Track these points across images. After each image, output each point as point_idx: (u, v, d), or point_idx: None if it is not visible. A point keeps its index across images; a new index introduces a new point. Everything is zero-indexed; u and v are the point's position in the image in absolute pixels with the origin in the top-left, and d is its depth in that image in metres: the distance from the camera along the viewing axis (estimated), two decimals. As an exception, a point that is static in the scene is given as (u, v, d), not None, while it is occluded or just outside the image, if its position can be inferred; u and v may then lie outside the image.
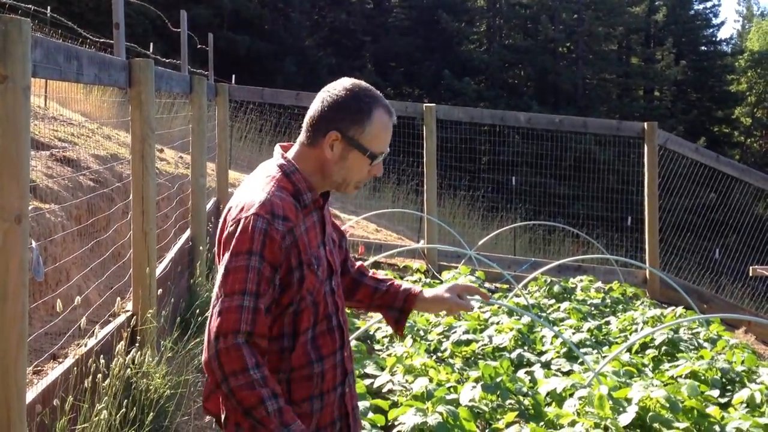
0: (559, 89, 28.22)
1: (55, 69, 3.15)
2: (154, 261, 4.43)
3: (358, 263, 2.40)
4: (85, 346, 3.37)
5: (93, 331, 3.41)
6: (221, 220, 2.03)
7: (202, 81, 6.88)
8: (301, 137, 2.07)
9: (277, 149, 2.11)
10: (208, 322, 1.92)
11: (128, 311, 4.21)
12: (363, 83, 2.07)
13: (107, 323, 4.05)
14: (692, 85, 30.58)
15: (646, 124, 9.04)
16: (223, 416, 2.03)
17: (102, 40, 12.21)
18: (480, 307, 6.61)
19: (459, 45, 29.42)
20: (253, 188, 2.00)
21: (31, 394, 2.72)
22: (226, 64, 19.83)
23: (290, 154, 2.08)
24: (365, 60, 27.95)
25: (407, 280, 7.74)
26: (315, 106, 2.05)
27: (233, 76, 16.06)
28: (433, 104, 9.43)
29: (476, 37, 31.54)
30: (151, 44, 13.88)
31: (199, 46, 14.40)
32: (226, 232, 1.96)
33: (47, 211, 5.73)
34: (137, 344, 3.98)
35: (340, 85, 2.05)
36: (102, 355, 3.27)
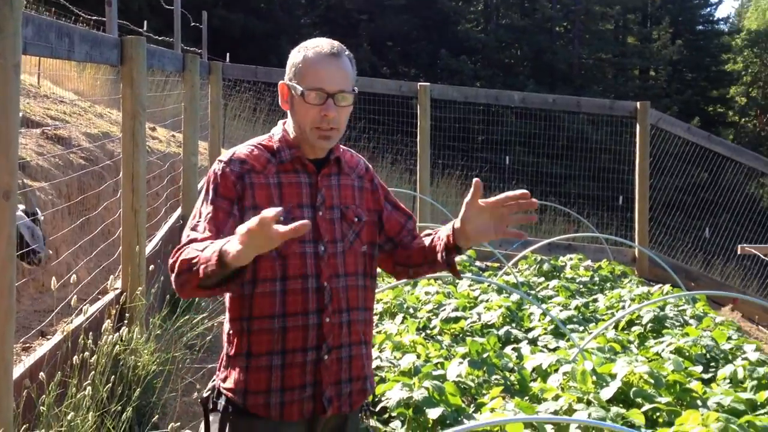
0: (555, 69, 28.15)
1: (46, 46, 3.16)
2: (144, 239, 4.46)
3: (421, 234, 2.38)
4: (73, 323, 3.41)
5: (81, 309, 3.45)
6: None
7: (195, 59, 6.87)
8: None
9: None
10: None
11: (117, 289, 4.24)
12: (317, 39, 2.20)
13: (96, 301, 4.09)
14: (688, 65, 30.51)
15: (638, 103, 9.05)
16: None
17: (95, 18, 12.16)
18: (470, 285, 6.66)
19: (455, 24, 29.29)
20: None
21: (18, 370, 2.76)
22: (221, 42, 19.75)
23: None
24: (361, 39, 27.81)
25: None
26: None
27: (227, 54, 16.00)
28: (428, 83, 9.42)
29: (473, 17, 31.38)
30: (145, 22, 13.81)
31: (192, 24, 14.35)
32: None
33: (37, 188, 5.76)
34: (126, 321, 4.03)
35: None
36: (90, 332, 3.31)
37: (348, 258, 2.18)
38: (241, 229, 1.77)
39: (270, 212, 1.74)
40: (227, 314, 2.16)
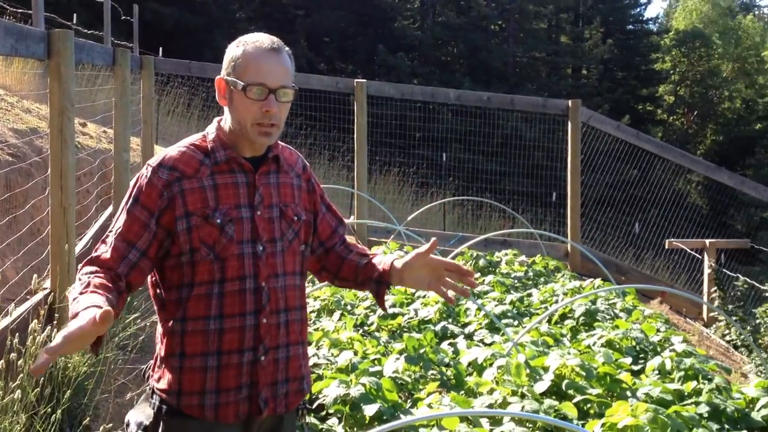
0: (490, 66, 28.50)
1: (-35, 39, 3.06)
2: (74, 238, 4.35)
3: (360, 247, 2.40)
4: (-1, 323, 3.31)
5: (8, 310, 3.34)
6: None
7: (126, 53, 6.73)
8: None
9: None
10: None
11: (46, 289, 4.14)
12: (255, 34, 2.16)
13: (24, 301, 3.98)
14: (618, 64, 31.27)
15: (570, 101, 9.24)
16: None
17: (21, 10, 11.80)
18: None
19: (393, 21, 29.38)
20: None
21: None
22: (153, 36, 19.38)
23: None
24: (298, 35, 27.62)
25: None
26: None
27: (160, 49, 15.71)
28: (365, 80, 9.43)
29: (410, 14, 31.52)
30: (74, 15, 13.45)
31: (123, 17, 14.04)
32: None
33: (-39, 186, 5.55)
34: (55, 322, 3.92)
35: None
36: (17, 333, 3.22)
37: (287, 257, 2.16)
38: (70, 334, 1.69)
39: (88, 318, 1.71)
40: (159, 315, 2.13)
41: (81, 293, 1.89)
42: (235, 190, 2.11)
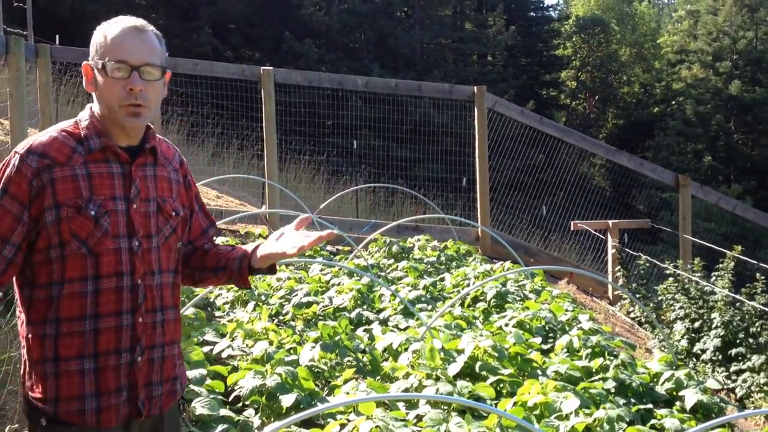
0: (398, 53, 28.65)
1: None
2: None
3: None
4: None
5: None
6: None
7: (20, 41, 6.44)
8: None
9: None
10: None
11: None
12: (120, 17, 2.08)
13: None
14: (522, 50, 31.97)
15: (475, 87, 9.39)
16: None
17: None
18: (321, 270, 6.69)
19: (299, 8, 29.09)
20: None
21: None
22: (49, 24, 18.60)
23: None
24: (202, 22, 27.00)
25: (248, 246, 7.68)
26: None
27: (57, 36, 15.09)
28: (271, 68, 9.32)
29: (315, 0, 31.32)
30: (-38, 1, 12.77)
31: (16, 3, 13.42)
32: None
33: None
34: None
35: None
36: None
37: (162, 254, 2.09)
38: None
39: None
40: (24, 316, 2.00)
41: None
42: (110, 180, 2.01)
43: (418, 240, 8.26)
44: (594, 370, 4.46)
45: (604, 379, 4.33)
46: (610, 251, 8.83)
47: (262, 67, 9.28)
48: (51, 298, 1.94)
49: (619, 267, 8.61)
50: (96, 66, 2.02)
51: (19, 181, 1.92)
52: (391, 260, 7.54)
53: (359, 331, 5.18)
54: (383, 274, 6.91)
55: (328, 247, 7.93)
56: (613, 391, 4.22)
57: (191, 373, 3.93)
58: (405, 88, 10.81)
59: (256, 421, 3.91)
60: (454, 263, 7.53)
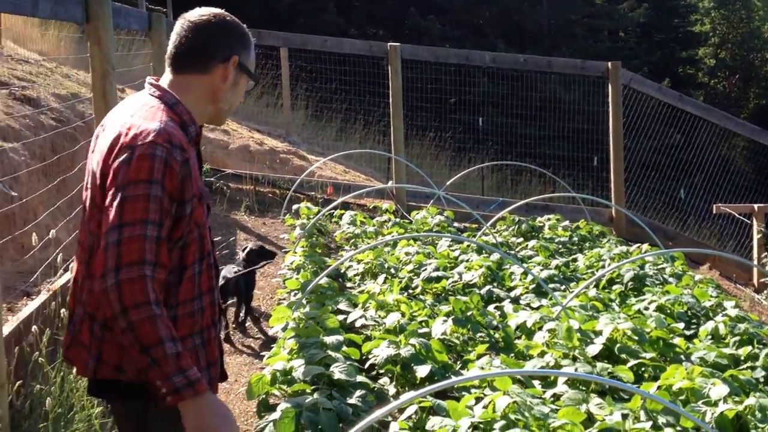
0: (524, 29, 28.04)
1: (8, 2, 3.05)
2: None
3: None
4: (57, 282, 3.33)
5: (68, 266, 3.37)
6: (103, 144, 1.93)
7: (161, 18, 6.72)
8: (181, 68, 2.02)
9: (150, 81, 2.06)
10: (102, 251, 1.80)
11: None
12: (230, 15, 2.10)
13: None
14: (656, 26, 30.55)
15: (609, 63, 9.05)
16: (91, 362, 1.94)
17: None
18: (450, 245, 6.66)
19: (424, -16, 28.96)
20: (139, 116, 1.92)
21: (7, 328, 2.69)
22: (188, 1, 19.30)
23: (167, 87, 2.03)
24: (326, 1, 27.38)
25: (376, 221, 7.76)
26: (192, 34, 2.01)
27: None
28: (398, 44, 9.30)
29: (441, -24, 31.03)
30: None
31: (158, -19, 13.98)
32: (118, 159, 1.85)
33: (9, 149, 5.60)
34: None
35: (210, 12, 2.05)
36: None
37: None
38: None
39: None
40: None
41: (175, 340, 1.80)
42: (197, 164, 2.02)
43: (548, 219, 8.08)
44: (742, 358, 4.23)
45: (753, 368, 4.10)
46: (756, 236, 8.34)
47: (389, 43, 9.28)
48: (170, 284, 1.93)
49: (765, 253, 8.13)
50: (247, 71, 2.07)
51: (171, 177, 1.86)
52: (521, 239, 7.42)
53: (490, 308, 5.12)
54: (512, 252, 6.80)
55: (455, 224, 7.88)
56: (762, 380, 4.00)
57: (328, 339, 4.00)
58: (534, 64, 10.56)
59: (391, 390, 3.94)
60: (587, 244, 7.32)
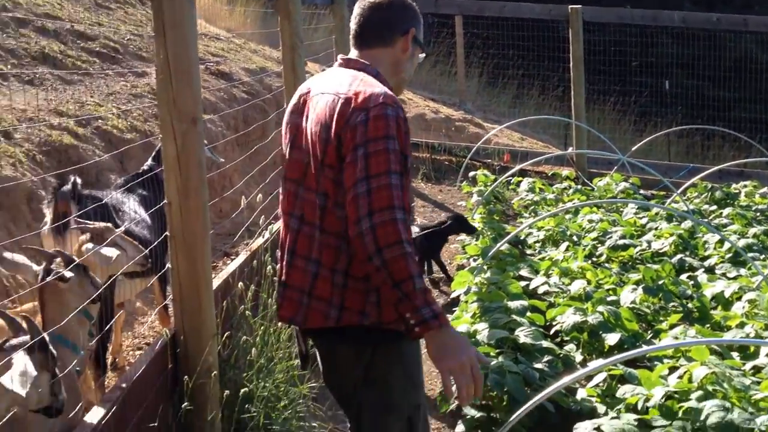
0: (714, -13, 26.15)
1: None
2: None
3: None
4: (255, 243, 3.53)
5: (264, 228, 3.56)
6: (325, 112, 2.07)
7: (341, -8, 6.88)
8: (367, 43, 2.21)
9: (343, 57, 2.23)
10: (351, 201, 1.97)
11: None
12: None
13: (271, 224, 4.22)
14: None
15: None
16: (333, 312, 2.06)
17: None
18: (636, 213, 6.40)
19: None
20: (358, 84, 2.08)
21: (214, 283, 2.88)
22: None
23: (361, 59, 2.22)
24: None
25: (556, 188, 7.59)
26: (375, 12, 2.21)
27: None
28: (579, 6, 8.96)
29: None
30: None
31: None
32: (355, 121, 2.01)
33: (207, 120, 5.98)
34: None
35: None
36: (268, 251, 3.42)
37: None
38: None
39: None
40: (346, 263, 2.09)
41: (421, 276, 1.96)
42: None
43: (744, 186, 7.56)
44: None
45: None
46: None
47: (569, 6, 8.96)
48: (342, 249, 2.10)
49: None
50: (419, 44, 2.25)
51: (400, 133, 2.03)
52: (713, 207, 6.99)
53: (682, 277, 4.88)
54: (705, 220, 6.43)
55: (642, 191, 7.55)
56: None
57: (512, 304, 3.98)
58: (727, 23, 9.86)
59: (578, 357, 3.86)
60: (789, 212, 6.78)
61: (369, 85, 2.08)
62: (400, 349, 2.12)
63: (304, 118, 2.16)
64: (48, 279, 2.43)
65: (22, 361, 1.88)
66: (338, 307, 2.07)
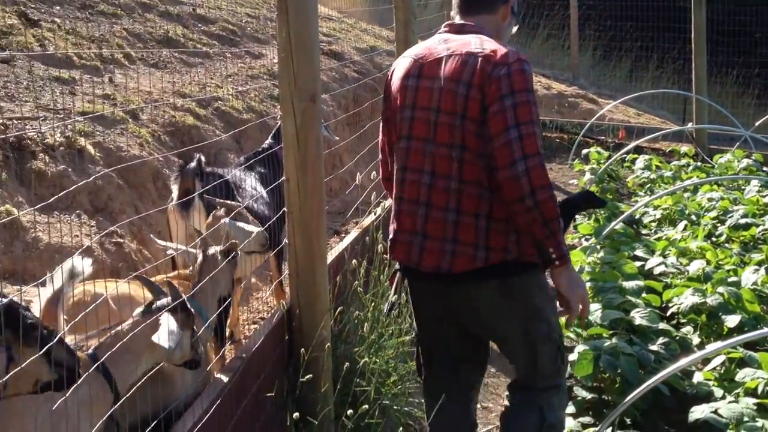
0: None
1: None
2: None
3: None
4: (366, 221, 3.59)
5: (379, 202, 3.62)
6: (459, 68, 2.25)
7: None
8: (474, 10, 2.39)
9: (458, 20, 2.40)
10: (502, 147, 2.17)
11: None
12: None
13: (379, 204, 4.28)
14: None
15: None
16: (481, 253, 2.27)
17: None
18: (759, 191, 6.10)
19: None
20: (488, 45, 2.27)
21: (328, 258, 2.95)
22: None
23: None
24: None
25: (674, 165, 7.32)
26: None
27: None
28: (701, -28, 8.55)
29: None
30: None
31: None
32: (498, 74, 2.19)
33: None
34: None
35: None
36: (379, 229, 3.47)
37: None
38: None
39: None
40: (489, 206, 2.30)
41: (560, 217, 2.23)
42: None
43: None
44: None
45: None
46: None
47: (691, -28, 8.56)
48: (485, 196, 2.30)
49: None
50: (513, 11, 2.44)
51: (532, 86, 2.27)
52: None
53: (810, 259, 4.63)
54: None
55: (765, 168, 7.18)
56: None
57: (627, 284, 3.90)
58: None
59: (695, 339, 3.75)
60: None
61: (499, 45, 2.27)
62: (538, 277, 2.37)
63: (426, 80, 2.31)
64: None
65: (167, 320, 2.09)
66: (484, 248, 2.27)
